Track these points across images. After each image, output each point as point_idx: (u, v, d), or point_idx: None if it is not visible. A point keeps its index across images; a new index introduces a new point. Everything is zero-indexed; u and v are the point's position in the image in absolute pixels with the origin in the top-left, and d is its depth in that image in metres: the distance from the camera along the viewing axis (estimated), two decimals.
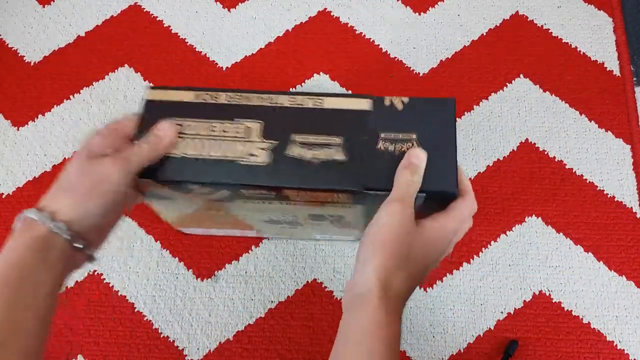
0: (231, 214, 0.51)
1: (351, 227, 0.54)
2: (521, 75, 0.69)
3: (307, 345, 0.58)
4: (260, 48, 0.72)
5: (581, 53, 0.70)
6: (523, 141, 0.66)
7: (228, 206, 0.49)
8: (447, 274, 0.60)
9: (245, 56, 0.71)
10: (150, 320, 0.59)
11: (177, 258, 0.61)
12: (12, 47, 0.73)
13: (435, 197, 0.45)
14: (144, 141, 0.42)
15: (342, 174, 0.42)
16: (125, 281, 0.61)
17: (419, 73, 0.70)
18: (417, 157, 0.41)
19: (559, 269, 0.60)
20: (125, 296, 0.60)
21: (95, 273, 0.61)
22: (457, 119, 0.67)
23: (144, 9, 0.75)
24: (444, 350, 0.57)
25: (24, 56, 0.72)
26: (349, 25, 0.73)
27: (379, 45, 0.71)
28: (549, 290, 0.59)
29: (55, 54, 0.72)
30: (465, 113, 0.67)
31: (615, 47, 0.70)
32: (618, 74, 0.68)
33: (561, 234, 0.61)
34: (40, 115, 0.69)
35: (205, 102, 0.45)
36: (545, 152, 0.65)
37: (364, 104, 0.45)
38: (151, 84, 0.45)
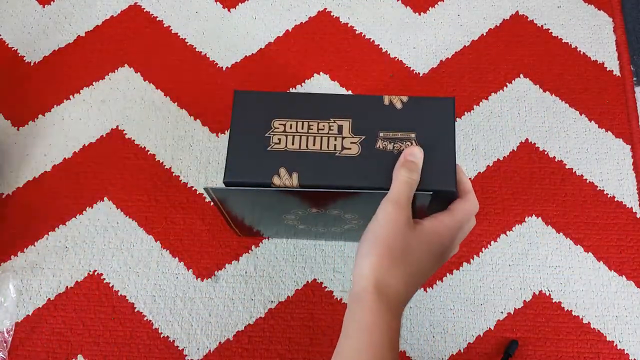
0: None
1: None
2: (521, 75, 0.69)
3: (307, 345, 0.58)
4: (260, 48, 0.72)
5: (581, 53, 0.70)
6: (523, 141, 0.66)
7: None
8: (447, 274, 0.60)
9: (245, 56, 0.71)
10: (150, 320, 0.59)
11: (177, 258, 0.61)
12: (12, 47, 0.73)
13: (435, 196, 0.45)
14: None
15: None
16: (125, 281, 0.61)
17: (419, 73, 0.70)
18: (413, 155, 0.42)
19: (559, 269, 0.60)
20: (125, 296, 0.60)
21: (95, 273, 0.61)
22: (457, 119, 0.67)
23: (144, 9, 0.75)
24: (444, 350, 0.57)
25: (24, 56, 0.72)
26: (349, 25, 0.73)
27: (379, 45, 0.71)
28: (549, 290, 0.59)
29: (55, 54, 0.72)
30: (465, 113, 0.67)
31: (615, 47, 0.70)
32: (618, 73, 0.68)
33: (561, 234, 0.61)
34: (40, 115, 0.69)
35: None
36: (545, 152, 0.65)
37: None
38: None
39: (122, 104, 0.69)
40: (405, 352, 0.57)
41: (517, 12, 0.73)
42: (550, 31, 0.71)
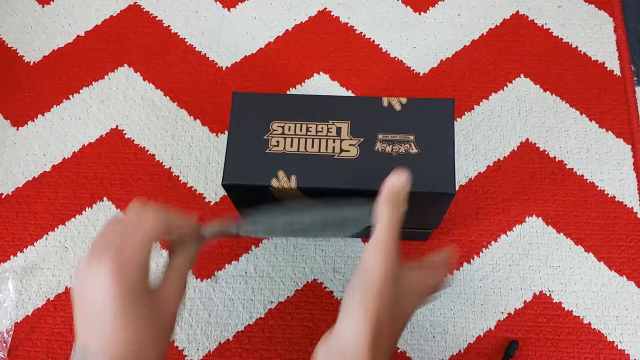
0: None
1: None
2: (521, 75, 0.69)
3: (307, 345, 0.58)
4: (260, 48, 0.72)
5: (582, 53, 0.70)
6: (523, 141, 0.65)
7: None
8: (447, 274, 0.60)
9: (245, 56, 0.71)
10: None
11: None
12: (12, 47, 0.73)
13: (433, 198, 0.45)
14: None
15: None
16: None
17: (419, 73, 0.70)
18: (395, 186, 0.37)
19: (560, 269, 0.60)
20: None
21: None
22: (457, 118, 0.67)
23: (144, 8, 0.75)
24: (444, 351, 0.57)
25: (23, 56, 0.72)
26: (349, 25, 0.73)
27: (379, 45, 0.71)
28: (549, 291, 0.59)
29: (55, 54, 0.72)
30: (466, 113, 0.67)
31: (615, 46, 0.70)
32: (618, 73, 0.68)
33: (561, 234, 0.61)
34: (39, 115, 0.69)
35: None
36: (546, 152, 0.65)
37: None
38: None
39: (121, 103, 0.69)
40: (406, 353, 0.57)
41: (518, 11, 0.72)
42: (550, 31, 0.71)
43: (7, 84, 0.71)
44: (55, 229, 0.63)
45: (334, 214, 0.40)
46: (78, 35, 0.73)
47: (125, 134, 0.67)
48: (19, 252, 0.62)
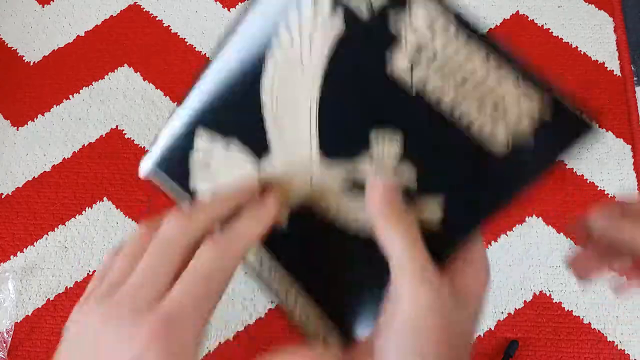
0: None
1: None
2: None
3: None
4: None
5: (581, 53, 0.70)
6: None
7: None
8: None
9: None
10: None
11: None
12: (12, 47, 0.73)
13: None
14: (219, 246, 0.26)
15: None
16: None
17: None
18: (384, 192, 0.27)
19: (560, 269, 0.60)
20: None
21: (95, 273, 0.61)
22: None
23: (144, 8, 0.75)
24: None
25: (23, 56, 0.72)
26: None
27: None
28: (549, 291, 0.59)
29: (55, 54, 0.72)
30: None
31: (615, 46, 0.70)
32: (618, 73, 0.68)
33: (561, 234, 0.61)
34: (39, 115, 0.69)
35: None
36: None
37: None
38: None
39: (121, 103, 0.69)
40: None
41: (518, 11, 0.72)
42: (550, 31, 0.71)
43: (7, 84, 0.71)
44: (55, 229, 0.63)
45: None
46: (78, 35, 0.73)
47: (125, 134, 0.67)
48: (19, 252, 0.62)
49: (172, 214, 0.26)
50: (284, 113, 0.30)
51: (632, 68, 0.69)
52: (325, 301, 0.31)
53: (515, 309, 0.58)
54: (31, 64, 0.72)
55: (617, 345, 0.57)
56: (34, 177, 0.66)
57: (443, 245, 0.28)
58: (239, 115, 0.31)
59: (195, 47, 0.72)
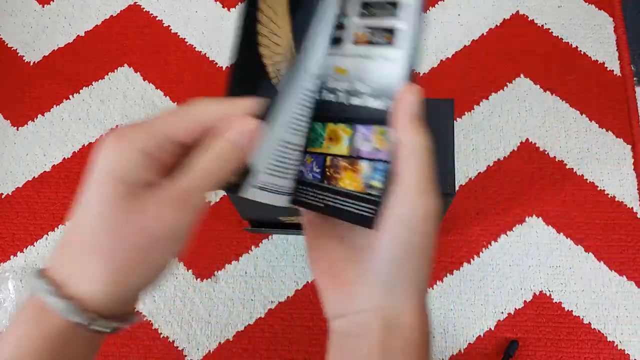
0: None
1: None
2: (521, 75, 0.69)
3: (307, 345, 0.58)
4: None
5: (582, 53, 0.70)
6: (523, 141, 0.65)
7: None
8: (447, 274, 0.60)
9: None
10: (150, 321, 0.59)
11: (176, 258, 0.61)
12: (12, 47, 0.73)
13: None
14: (211, 154, 0.26)
15: None
16: None
17: (418, 73, 0.70)
18: (413, 100, 0.28)
19: (560, 269, 0.60)
20: None
21: None
22: (457, 118, 0.67)
23: (144, 8, 0.75)
24: (445, 351, 0.57)
25: (23, 56, 0.72)
26: None
27: None
28: (549, 291, 0.59)
29: (55, 54, 0.72)
30: (466, 113, 0.67)
31: (615, 46, 0.70)
32: (619, 73, 0.68)
33: (561, 234, 0.61)
34: (39, 115, 0.69)
35: None
36: (546, 152, 0.65)
37: None
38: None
39: (121, 103, 0.69)
40: None
41: (518, 11, 0.72)
42: (550, 31, 0.71)
43: (7, 84, 0.71)
44: (55, 229, 0.63)
45: None
46: (78, 35, 0.73)
47: None
48: (19, 252, 0.62)
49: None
50: None
51: (632, 68, 0.69)
52: None
53: (515, 309, 0.59)
54: (31, 64, 0.72)
55: (617, 345, 0.57)
56: (34, 177, 0.66)
57: None
58: None
59: (195, 47, 0.72)
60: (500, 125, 0.66)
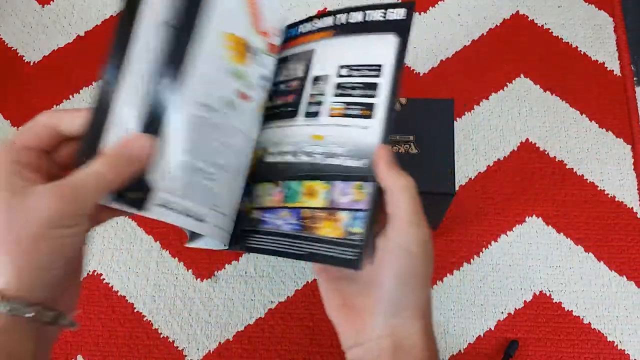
0: None
1: None
2: (521, 75, 0.69)
3: (307, 345, 0.58)
4: None
5: (582, 53, 0.70)
6: (523, 141, 0.65)
7: None
8: (447, 274, 0.60)
9: None
10: (150, 321, 0.59)
11: (176, 258, 0.61)
12: (12, 47, 0.73)
13: (433, 198, 0.45)
14: (100, 165, 0.29)
15: None
16: (125, 281, 0.61)
17: (419, 73, 0.70)
18: (387, 152, 0.33)
19: (560, 269, 0.60)
20: (125, 296, 0.60)
21: (95, 273, 0.61)
22: (457, 118, 0.67)
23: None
24: (445, 351, 0.57)
25: (23, 56, 0.72)
26: None
27: None
28: (549, 291, 0.59)
29: (55, 54, 0.72)
30: (466, 113, 0.67)
31: (615, 46, 0.70)
32: (619, 73, 0.68)
33: (561, 234, 0.61)
34: None
35: None
36: (546, 152, 0.65)
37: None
38: None
39: None
40: None
41: (518, 11, 0.72)
42: (550, 31, 0.71)
43: (7, 84, 0.71)
44: None
45: None
46: (78, 35, 0.73)
47: None
48: None
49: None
50: None
51: (632, 68, 0.69)
52: None
53: (515, 309, 0.59)
54: (31, 64, 0.72)
55: (617, 345, 0.57)
56: None
57: None
58: None
59: None
60: (500, 125, 0.66)
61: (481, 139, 0.66)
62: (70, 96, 0.70)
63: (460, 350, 0.57)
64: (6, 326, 0.27)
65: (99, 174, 0.29)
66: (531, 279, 0.59)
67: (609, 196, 0.62)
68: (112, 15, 0.74)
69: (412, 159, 0.45)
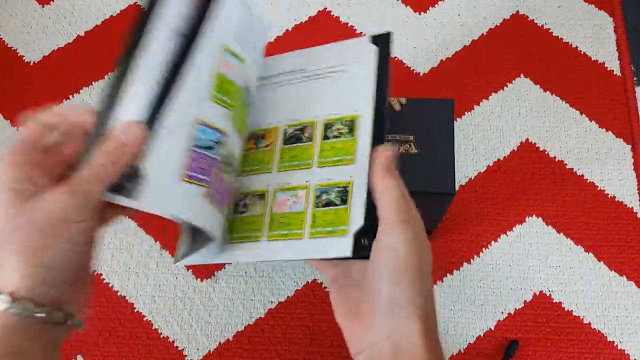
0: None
1: None
2: (521, 75, 0.69)
3: (307, 345, 0.58)
4: None
5: (582, 53, 0.70)
6: (523, 141, 0.65)
7: None
8: (447, 274, 0.60)
9: None
10: (150, 321, 0.59)
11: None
12: (12, 47, 0.73)
13: (433, 198, 0.45)
14: (100, 158, 0.31)
15: None
16: (125, 281, 0.61)
17: (419, 73, 0.70)
18: (388, 155, 0.35)
19: (560, 269, 0.60)
20: (124, 296, 0.60)
21: (95, 273, 0.61)
22: (457, 118, 0.67)
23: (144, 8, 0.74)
24: (444, 351, 0.57)
25: (23, 56, 0.72)
26: (348, 25, 0.73)
27: None
28: (549, 291, 0.59)
29: (55, 54, 0.72)
30: (466, 113, 0.67)
31: (615, 46, 0.70)
32: (619, 73, 0.68)
33: (561, 234, 0.61)
34: None
35: None
36: (546, 152, 0.65)
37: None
38: None
39: None
40: None
41: (518, 11, 0.72)
42: (550, 31, 0.71)
43: (7, 84, 0.71)
44: None
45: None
46: (78, 35, 0.73)
47: None
48: None
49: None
50: None
51: (632, 68, 0.69)
52: None
53: (515, 309, 0.59)
54: (31, 64, 0.72)
55: (617, 345, 0.57)
56: None
57: None
58: None
59: None
60: (500, 125, 0.66)
61: (481, 139, 0.66)
62: (70, 96, 0.70)
63: (460, 350, 0.57)
64: (17, 327, 0.28)
65: (100, 165, 0.30)
66: (531, 279, 0.59)
67: (609, 196, 0.62)
68: (112, 16, 0.74)
69: (412, 159, 0.45)
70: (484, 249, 0.61)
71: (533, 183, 0.63)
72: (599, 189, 0.63)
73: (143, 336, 0.58)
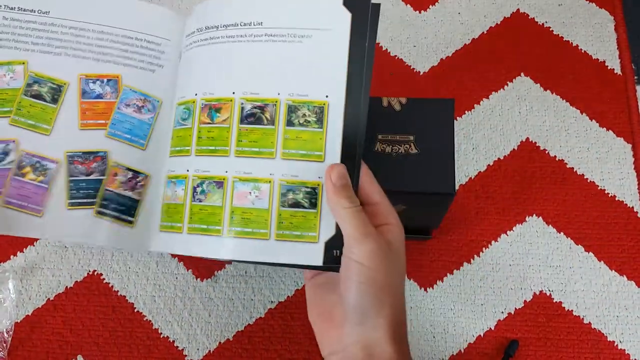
0: None
1: None
2: (522, 74, 0.69)
3: (307, 345, 0.58)
4: None
5: (582, 51, 0.69)
6: (524, 140, 0.65)
7: None
8: (447, 274, 0.60)
9: None
10: (150, 321, 0.59)
11: (176, 258, 0.61)
12: None
13: (433, 198, 0.45)
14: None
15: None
16: (125, 281, 0.61)
17: (419, 72, 0.69)
18: (343, 177, 0.35)
19: (560, 269, 0.60)
20: (124, 296, 0.60)
21: (95, 273, 0.61)
22: (457, 118, 0.67)
23: None
24: (444, 351, 0.57)
25: None
26: None
27: (379, 43, 0.71)
28: (549, 290, 0.59)
29: None
30: (466, 112, 0.67)
31: (616, 45, 0.70)
32: (619, 72, 0.68)
33: (562, 233, 0.61)
34: None
35: None
36: (546, 152, 0.65)
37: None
38: None
39: None
40: None
41: (518, 10, 0.72)
42: (551, 29, 0.71)
43: None
44: None
45: None
46: None
47: None
48: (19, 252, 0.62)
49: None
50: None
51: (633, 67, 0.69)
52: None
53: (515, 309, 0.58)
54: None
55: (617, 345, 0.57)
56: None
57: None
58: None
59: None
60: (501, 124, 0.66)
61: (481, 138, 0.66)
62: None
63: (460, 350, 0.57)
64: None
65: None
66: (531, 279, 0.59)
67: (609, 196, 0.62)
68: None
69: (412, 159, 0.45)
70: (484, 248, 0.61)
71: (533, 182, 0.63)
72: (599, 188, 0.63)
73: (143, 336, 0.58)
